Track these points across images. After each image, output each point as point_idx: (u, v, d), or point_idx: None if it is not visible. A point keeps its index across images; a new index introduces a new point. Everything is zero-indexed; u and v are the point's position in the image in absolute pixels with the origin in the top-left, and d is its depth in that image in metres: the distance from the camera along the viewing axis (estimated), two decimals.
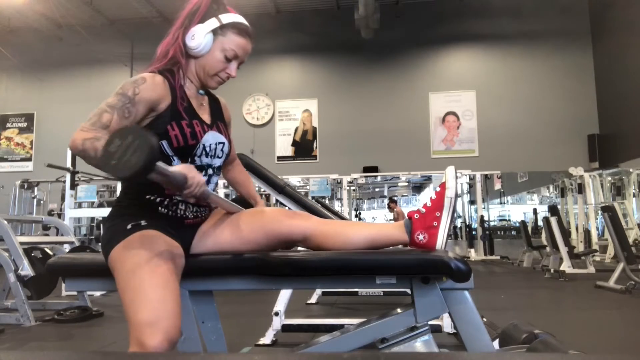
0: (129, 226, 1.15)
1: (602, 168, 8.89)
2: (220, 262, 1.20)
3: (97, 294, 4.22)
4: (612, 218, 4.32)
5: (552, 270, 5.44)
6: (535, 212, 12.28)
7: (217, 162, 1.32)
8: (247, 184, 1.54)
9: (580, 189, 7.19)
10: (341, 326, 2.22)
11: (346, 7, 10.48)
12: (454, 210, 1.16)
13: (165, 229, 1.18)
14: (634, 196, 8.09)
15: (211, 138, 1.28)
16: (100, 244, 1.26)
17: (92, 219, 8.66)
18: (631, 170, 7.92)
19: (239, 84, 10.30)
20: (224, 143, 1.33)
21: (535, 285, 4.96)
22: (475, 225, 8.79)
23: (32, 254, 3.28)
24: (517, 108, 10.17)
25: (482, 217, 8.33)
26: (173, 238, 1.18)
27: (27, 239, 4.17)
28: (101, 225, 6.54)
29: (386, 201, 11.54)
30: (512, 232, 13.23)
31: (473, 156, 10.15)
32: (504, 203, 13.08)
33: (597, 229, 7.71)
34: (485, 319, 1.87)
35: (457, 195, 1.16)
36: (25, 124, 11.43)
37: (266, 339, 2.39)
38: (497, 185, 11.40)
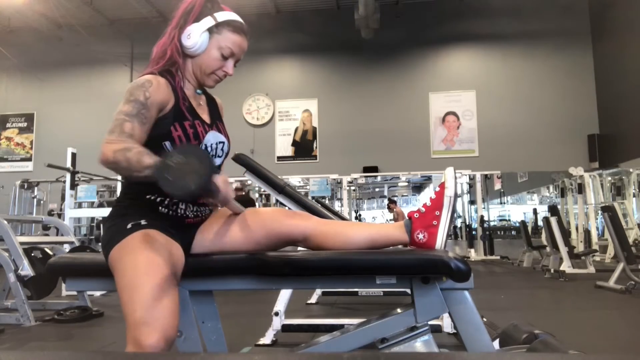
0: (129, 226, 1.15)
1: (602, 168, 8.90)
2: (221, 262, 1.20)
3: (97, 294, 4.22)
4: (612, 218, 4.32)
5: (552, 270, 5.43)
6: (535, 212, 12.27)
7: (218, 162, 1.34)
8: None
9: (580, 189, 7.19)
10: (341, 326, 2.22)
11: (346, 7, 10.48)
12: (454, 210, 1.17)
13: (165, 228, 1.18)
14: (634, 196, 8.09)
15: (212, 138, 1.29)
16: (100, 243, 1.26)
17: (92, 219, 8.66)
18: (631, 170, 7.92)
19: (239, 84, 10.30)
20: (224, 142, 1.34)
21: (535, 285, 4.96)
22: (475, 225, 8.79)
23: (32, 254, 3.28)
24: (517, 108, 10.17)
25: (482, 217, 8.33)
26: (173, 238, 1.18)
27: (27, 239, 4.17)
28: (101, 225, 6.55)
29: (386, 201, 11.54)
30: (512, 232, 13.22)
31: (473, 156, 10.15)
32: (504, 203, 13.08)
33: (597, 229, 7.71)
34: (485, 319, 1.87)
35: (456, 195, 1.17)
36: (25, 124, 11.43)
37: (266, 339, 2.39)
38: (497, 185, 11.39)
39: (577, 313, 3.38)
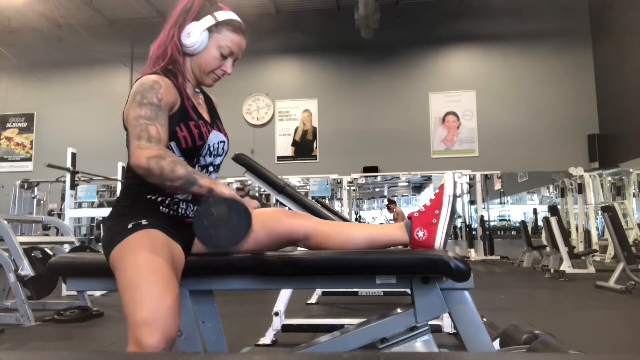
0: (130, 225, 1.15)
1: (602, 168, 8.90)
2: (221, 262, 1.20)
3: (97, 294, 4.22)
4: (612, 218, 4.32)
5: (552, 270, 5.43)
6: (535, 212, 12.27)
7: (218, 160, 1.35)
8: None
9: (580, 189, 7.19)
10: (341, 326, 2.22)
11: (346, 7, 10.48)
12: (454, 211, 1.18)
13: (166, 228, 1.18)
14: (634, 196, 8.09)
15: (214, 137, 1.30)
16: (100, 243, 1.27)
17: (92, 219, 8.65)
18: (631, 170, 7.92)
19: (239, 84, 10.30)
20: (224, 141, 1.35)
21: (535, 285, 4.96)
22: (475, 225, 8.79)
23: (32, 254, 3.28)
24: (517, 108, 10.17)
25: (482, 217, 8.33)
26: (174, 237, 1.18)
27: (27, 239, 4.17)
28: (101, 225, 6.55)
29: (385, 201, 11.53)
30: (512, 232, 13.22)
31: (473, 156, 10.15)
32: (504, 203, 13.07)
33: (597, 229, 7.71)
34: (485, 319, 1.87)
35: (455, 195, 1.18)
36: (25, 124, 11.43)
37: (266, 339, 2.39)
38: (497, 185, 11.39)
39: (577, 313, 3.38)
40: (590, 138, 9.85)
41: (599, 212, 5.92)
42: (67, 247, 3.79)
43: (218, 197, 1.03)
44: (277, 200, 2.19)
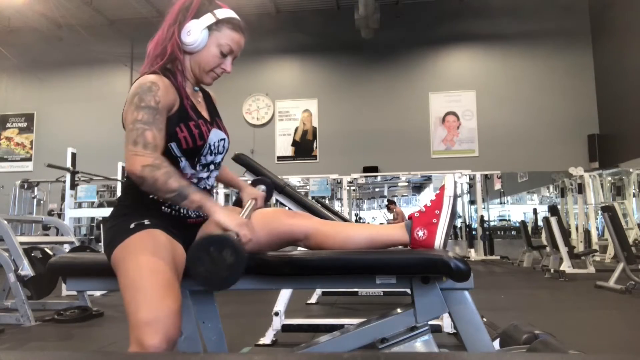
0: (132, 225, 1.15)
1: (602, 168, 8.90)
2: None
3: (97, 294, 4.22)
4: (612, 218, 4.32)
5: (552, 270, 5.44)
6: (535, 212, 12.27)
7: (219, 158, 1.34)
8: (226, 171, 1.52)
9: (580, 189, 7.19)
10: (341, 326, 2.22)
11: (346, 7, 10.48)
12: (454, 211, 1.18)
13: (167, 228, 1.18)
14: (634, 196, 8.09)
15: (214, 136, 1.29)
16: (100, 243, 1.27)
17: (92, 219, 8.65)
18: (631, 170, 7.92)
19: (239, 84, 10.30)
20: (224, 139, 1.34)
21: (535, 285, 4.96)
22: (475, 225, 8.79)
23: (32, 254, 3.28)
24: (517, 108, 10.17)
25: (482, 217, 8.33)
26: (175, 237, 1.18)
27: (27, 239, 4.17)
28: (101, 225, 6.54)
29: (385, 201, 11.54)
30: (512, 232, 13.22)
31: (473, 156, 10.15)
32: (504, 203, 13.07)
33: (597, 229, 7.71)
34: (485, 319, 1.87)
35: (456, 196, 1.18)
36: (25, 124, 11.43)
37: (266, 339, 2.39)
38: (497, 185, 11.39)
39: (577, 313, 3.38)
40: (590, 138, 9.84)
41: (599, 212, 5.92)
42: (67, 247, 3.79)
43: (211, 237, 0.99)
44: (277, 200, 2.19)
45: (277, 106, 10.83)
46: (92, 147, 9.34)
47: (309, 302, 3.66)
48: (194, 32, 1.22)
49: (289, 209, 2.07)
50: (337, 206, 9.24)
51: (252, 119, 10.82)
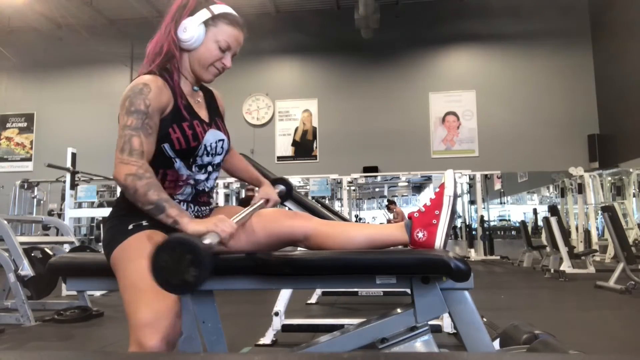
0: (131, 226, 1.15)
1: (602, 168, 8.89)
2: (221, 262, 1.20)
3: (97, 293, 4.22)
4: (612, 218, 4.32)
5: (552, 270, 5.43)
6: (535, 212, 12.28)
7: (217, 159, 1.33)
8: (247, 169, 1.53)
9: (580, 189, 7.19)
10: (341, 326, 2.22)
11: (346, 7, 10.48)
12: (454, 210, 1.17)
13: (166, 229, 1.18)
14: (634, 196, 8.09)
15: (211, 137, 1.28)
16: (100, 243, 1.27)
17: (92, 219, 8.66)
18: (631, 170, 7.92)
19: (239, 84, 10.31)
20: (223, 140, 1.33)
21: (535, 285, 4.96)
22: (475, 225, 8.79)
23: (32, 254, 3.28)
24: (517, 108, 10.17)
25: (482, 217, 8.33)
26: None
27: (27, 239, 4.17)
28: (101, 225, 6.54)
29: (385, 202, 11.53)
30: (512, 232, 13.23)
31: (473, 156, 10.15)
32: (504, 203, 13.09)
33: (597, 229, 7.71)
34: (485, 319, 1.87)
35: (456, 195, 1.17)
36: (25, 124, 11.43)
37: (266, 339, 2.39)
38: (497, 185, 11.40)
39: (577, 313, 3.38)
40: (590, 138, 9.85)
41: (599, 212, 5.92)
42: (67, 247, 3.79)
43: (175, 239, 0.93)
44: None
45: (277, 106, 10.84)
46: (92, 147, 9.34)
47: (309, 302, 3.67)
48: (190, 28, 1.21)
49: (289, 209, 2.07)
50: (337, 206, 9.23)
51: (252, 119, 10.82)
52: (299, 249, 1.28)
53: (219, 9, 1.25)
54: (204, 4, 1.25)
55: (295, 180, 9.39)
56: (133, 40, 10.73)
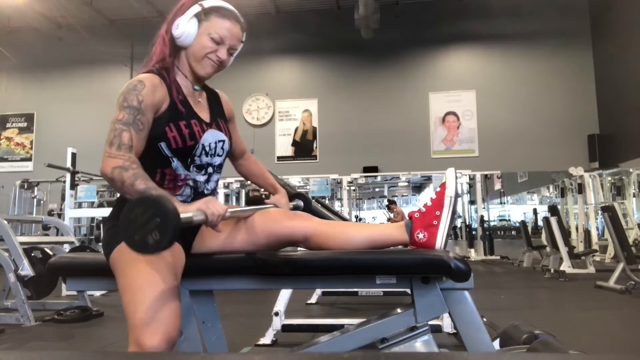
0: None
1: (602, 168, 8.89)
2: (221, 262, 1.20)
3: (97, 293, 4.22)
4: (612, 218, 4.32)
5: (552, 270, 5.43)
6: (535, 212, 12.28)
7: (218, 161, 1.32)
8: (264, 174, 1.52)
9: (580, 189, 7.19)
10: (341, 326, 2.22)
11: (346, 7, 10.48)
12: (455, 211, 1.16)
13: None
14: (634, 196, 8.09)
15: (210, 137, 1.27)
16: (100, 243, 1.27)
17: (92, 219, 8.66)
18: (631, 170, 7.92)
19: (239, 84, 10.30)
20: (224, 141, 1.32)
21: (535, 285, 4.96)
22: (475, 225, 8.79)
23: (32, 254, 3.28)
24: (517, 108, 10.17)
25: (482, 217, 8.33)
26: None
27: (27, 239, 4.17)
28: (101, 225, 6.53)
29: (385, 202, 11.53)
30: (512, 232, 13.24)
31: (473, 156, 10.15)
32: (504, 203, 13.09)
33: (597, 229, 7.71)
34: (485, 319, 1.87)
35: (457, 195, 1.16)
36: (25, 124, 11.43)
37: (266, 339, 2.39)
38: (497, 185, 11.40)
39: (577, 313, 3.38)
40: (590, 138, 9.84)
41: (599, 212, 5.92)
42: (67, 247, 3.79)
43: (153, 199, 0.92)
44: None
45: (277, 106, 10.84)
46: (92, 147, 9.27)
47: (309, 302, 3.66)
48: (182, 24, 1.22)
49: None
50: (337, 206, 9.23)
51: (252, 119, 10.82)
52: (299, 249, 1.28)
53: (210, 2, 1.25)
54: (198, 1, 1.25)
55: (295, 180, 9.40)
56: (133, 40, 10.73)
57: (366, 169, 10.06)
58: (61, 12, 9.79)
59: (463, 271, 1.05)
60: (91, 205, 8.27)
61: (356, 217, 10.99)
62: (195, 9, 1.23)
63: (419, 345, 1.12)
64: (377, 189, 14.43)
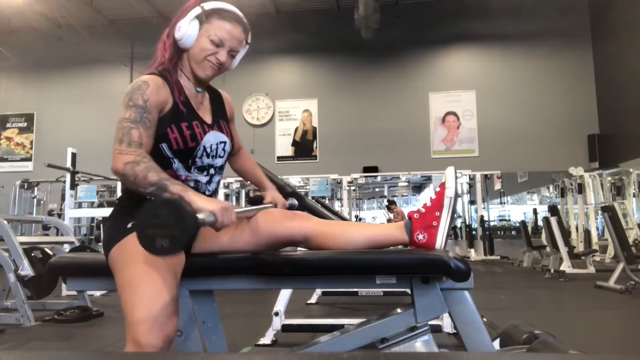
0: (129, 225, 1.15)
1: (602, 168, 8.89)
2: (221, 262, 1.20)
3: (97, 293, 4.22)
4: (612, 218, 4.32)
5: (552, 270, 5.43)
6: (535, 212, 12.28)
7: (219, 162, 1.32)
8: (254, 171, 1.53)
9: (580, 189, 7.19)
10: (341, 326, 2.22)
11: (346, 7, 10.48)
12: (454, 211, 1.16)
13: None
14: (634, 196, 8.09)
15: (212, 138, 1.28)
16: (100, 243, 1.27)
17: (92, 219, 8.66)
18: (631, 170, 7.92)
19: (239, 84, 10.30)
20: (225, 142, 1.32)
21: (535, 285, 4.96)
22: (475, 225, 8.79)
23: (32, 254, 3.28)
24: (517, 108, 10.17)
25: (482, 217, 8.33)
26: None
27: (27, 239, 4.17)
28: (101, 225, 6.53)
29: (385, 202, 11.53)
30: (512, 232, 13.23)
31: (473, 156, 10.15)
32: (504, 203, 13.09)
33: (597, 229, 7.71)
34: (485, 319, 1.87)
35: (457, 195, 1.16)
36: (25, 124, 11.43)
37: (266, 339, 2.39)
38: (497, 185, 11.40)
39: (577, 313, 3.38)
40: (590, 138, 9.84)
41: (599, 212, 5.92)
42: (67, 247, 3.79)
43: (160, 199, 0.93)
44: None
45: (277, 106, 10.84)
46: (92, 147, 9.33)
47: (309, 302, 3.66)
48: (183, 26, 1.22)
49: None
50: (337, 206, 9.23)
51: (252, 119, 10.82)
52: (298, 249, 1.28)
53: (211, 5, 1.25)
54: (200, 3, 1.25)
55: (295, 180, 9.40)
56: (133, 40, 10.73)
57: (366, 169, 10.06)
58: (61, 12, 9.79)
59: (463, 271, 1.05)
60: (91, 205, 8.27)
61: (356, 217, 10.99)
62: (197, 10, 1.23)
63: (419, 345, 1.12)
64: (377, 189, 14.43)
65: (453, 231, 11.64)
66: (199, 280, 1.23)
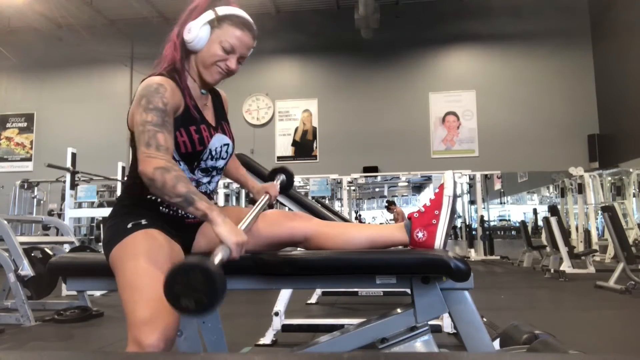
0: (130, 225, 1.15)
1: (602, 168, 8.89)
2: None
3: (97, 293, 4.22)
4: (612, 218, 4.32)
5: (552, 270, 5.43)
6: (535, 212, 12.27)
7: (221, 164, 1.33)
8: (237, 169, 1.55)
9: (580, 189, 7.19)
10: (341, 326, 2.22)
11: (346, 7, 10.48)
12: (454, 210, 1.17)
13: (165, 228, 1.18)
14: (634, 196, 8.09)
15: (217, 141, 1.28)
16: (100, 243, 1.27)
17: (92, 219, 8.66)
18: (631, 170, 7.92)
19: (239, 84, 10.30)
20: (228, 144, 1.33)
21: (535, 285, 4.96)
22: (475, 225, 8.79)
23: (32, 254, 3.28)
24: (517, 108, 10.17)
25: (482, 217, 8.33)
26: (173, 238, 1.18)
27: (27, 239, 4.17)
28: (101, 225, 6.53)
29: (385, 202, 11.54)
30: (512, 232, 13.23)
31: (473, 156, 10.15)
32: (504, 203, 13.08)
33: (597, 229, 7.71)
34: (485, 319, 1.88)
35: (455, 195, 1.17)
36: (25, 124, 11.43)
37: (266, 339, 2.39)
38: (497, 185, 11.40)
39: (577, 313, 3.38)
40: (590, 138, 9.84)
41: (599, 212, 5.92)
42: (67, 247, 3.79)
43: (190, 264, 0.90)
44: (277, 201, 2.19)
45: (277, 106, 10.84)
46: (92, 147, 9.35)
47: (309, 302, 3.66)
48: (194, 29, 1.20)
49: (289, 209, 2.07)
50: (337, 206, 9.24)
51: (252, 119, 10.82)
52: (298, 249, 1.28)
53: (224, 10, 1.23)
54: (212, 5, 1.23)
55: (295, 180, 9.40)
56: (133, 40, 10.73)
57: (366, 169, 10.06)
58: (61, 12, 9.79)
59: (463, 271, 1.05)
60: (91, 205, 8.27)
61: (356, 212, 10.98)
62: (209, 14, 1.21)
63: (419, 345, 1.12)
64: (377, 189, 14.44)
65: (453, 231, 11.64)
66: None
